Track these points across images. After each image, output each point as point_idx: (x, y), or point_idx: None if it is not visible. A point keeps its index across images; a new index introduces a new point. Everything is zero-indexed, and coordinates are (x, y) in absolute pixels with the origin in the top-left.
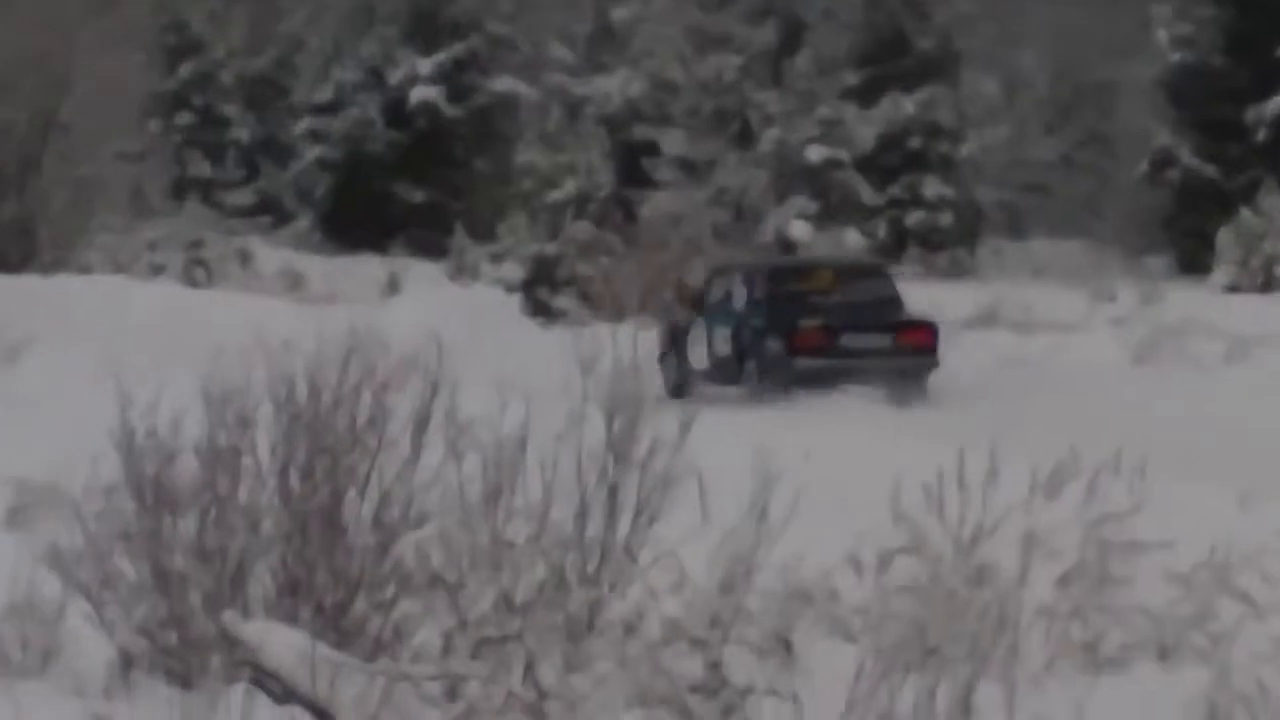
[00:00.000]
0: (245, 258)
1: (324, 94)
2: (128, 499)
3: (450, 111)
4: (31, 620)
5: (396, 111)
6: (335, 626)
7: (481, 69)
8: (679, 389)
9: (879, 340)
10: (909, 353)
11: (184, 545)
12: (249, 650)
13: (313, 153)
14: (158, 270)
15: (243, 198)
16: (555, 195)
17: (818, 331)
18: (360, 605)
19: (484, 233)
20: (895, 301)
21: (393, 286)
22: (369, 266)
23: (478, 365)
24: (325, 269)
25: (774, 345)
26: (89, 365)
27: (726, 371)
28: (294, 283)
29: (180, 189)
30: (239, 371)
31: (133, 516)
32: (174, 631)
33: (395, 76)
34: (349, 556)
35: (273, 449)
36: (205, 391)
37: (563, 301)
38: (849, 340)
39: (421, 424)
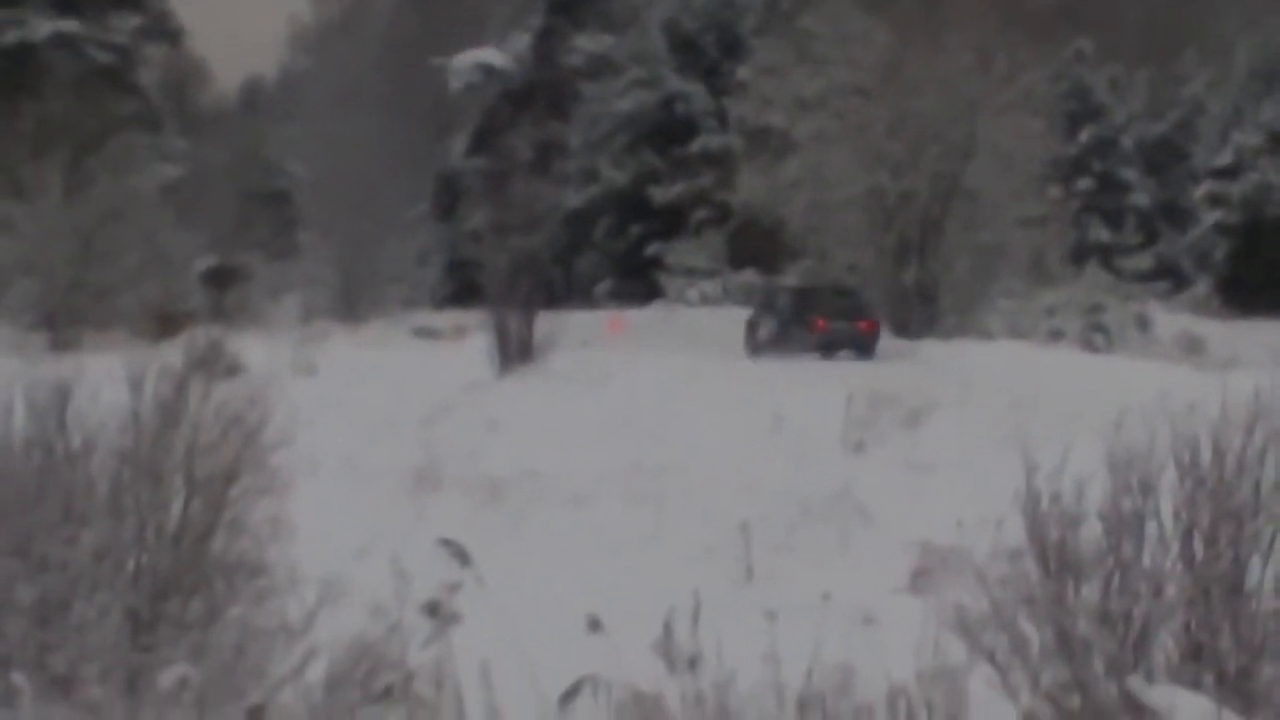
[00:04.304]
0: (1144, 323)
1: (1224, 158)
2: (1032, 564)
3: None
4: (938, 684)
5: None
6: (1239, 692)
7: None
8: (753, 352)
9: (851, 326)
10: (866, 332)
11: (1087, 610)
12: (1155, 716)
13: (1212, 217)
14: (1057, 335)
15: (1141, 262)
16: None
17: (823, 319)
18: (1266, 671)
19: None
20: (861, 306)
21: None
22: (1268, 331)
23: None
24: (1224, 333)
25: (801, 328)
26: (989, 430)
27: (774, 343)
28: (1193, 347)
29: (1079, 254)
30: (1142, 437)
31: (1036, 581)
32: (1077, 696)
33: None
34: (1252, 623)
35: (1176, 514)
36: (1109, 456)
37: None
38: (836, 325)
39: None
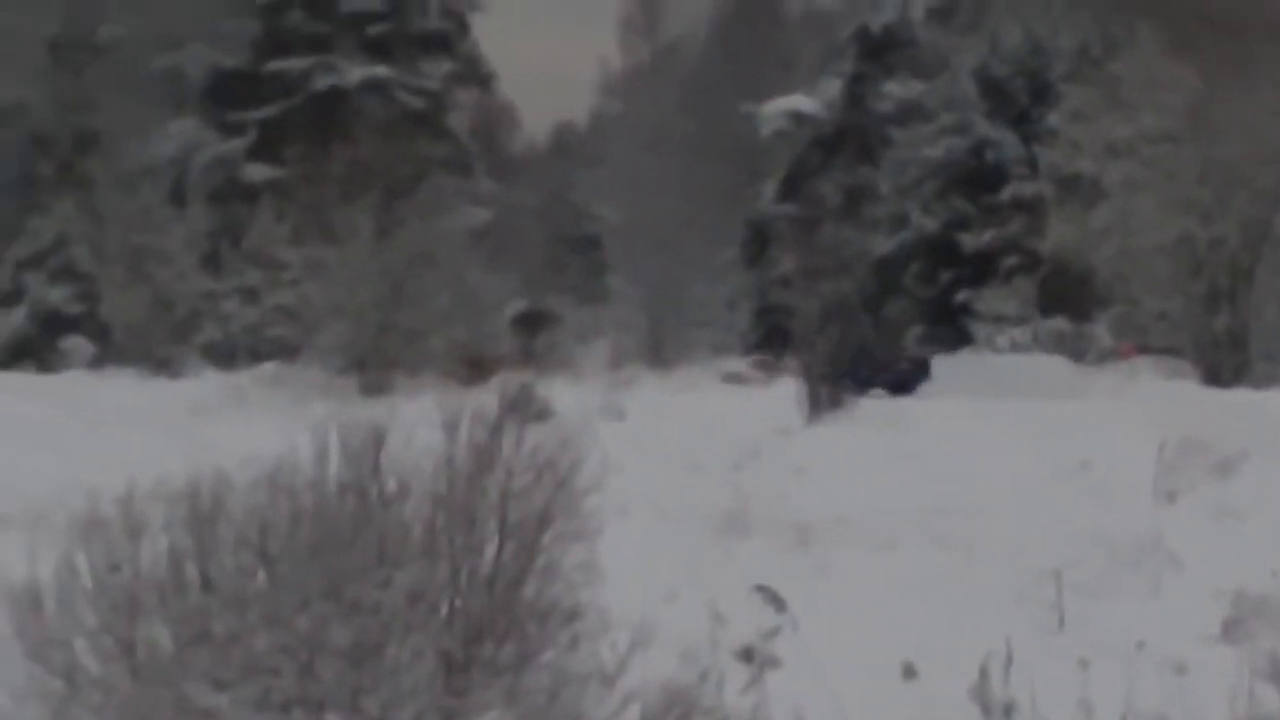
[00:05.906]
0: None
1: None
2: None
3: None
4: None
5: None
6: None
7: None
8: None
9: (907, 366)
10: (916, 372)
11: None
12: None
13: None
14: None
15: None
16: None
17: (879, 365)
18: None
19: None
20: (904, 348)
21: None
22: None
23: None
24: None
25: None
26: None
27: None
28: None
29: None
30: None
31: None
32: None
33: None
34: None
35: None
36: None
37: None
38: (899, 367)
39: None
